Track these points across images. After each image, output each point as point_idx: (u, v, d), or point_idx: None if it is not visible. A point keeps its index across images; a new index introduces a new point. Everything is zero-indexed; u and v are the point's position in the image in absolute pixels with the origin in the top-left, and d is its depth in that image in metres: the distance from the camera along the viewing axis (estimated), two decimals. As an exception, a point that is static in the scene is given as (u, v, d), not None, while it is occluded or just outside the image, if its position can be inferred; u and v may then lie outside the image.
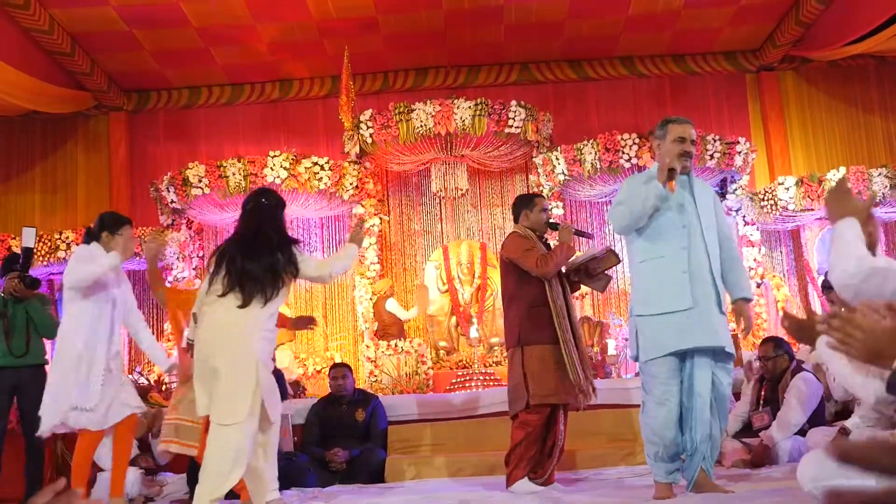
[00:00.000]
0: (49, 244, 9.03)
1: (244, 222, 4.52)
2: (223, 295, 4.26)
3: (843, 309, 2.25)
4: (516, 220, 5.42)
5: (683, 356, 4.35)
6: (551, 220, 5.46)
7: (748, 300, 4.48)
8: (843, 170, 8.90)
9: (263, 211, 4.51)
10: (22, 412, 5.96)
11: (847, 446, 1.56)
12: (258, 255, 4.32)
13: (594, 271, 5.24)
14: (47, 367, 6.18)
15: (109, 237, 5.12)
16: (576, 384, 4.95)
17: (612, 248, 5.09)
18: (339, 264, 4.71)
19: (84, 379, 4.94)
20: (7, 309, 5.92)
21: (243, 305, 4.22)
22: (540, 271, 5.04)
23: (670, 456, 4.37)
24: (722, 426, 4.45)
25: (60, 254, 9.00)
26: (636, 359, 4.53)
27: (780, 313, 3.41)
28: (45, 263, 9.03)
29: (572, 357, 4.97)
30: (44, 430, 4.98)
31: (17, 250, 6.79)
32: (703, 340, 4.29)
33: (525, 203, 5.37)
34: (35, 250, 6.44)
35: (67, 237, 9.05)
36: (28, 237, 5.76)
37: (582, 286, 5.54)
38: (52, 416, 4.93)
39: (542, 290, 5.08)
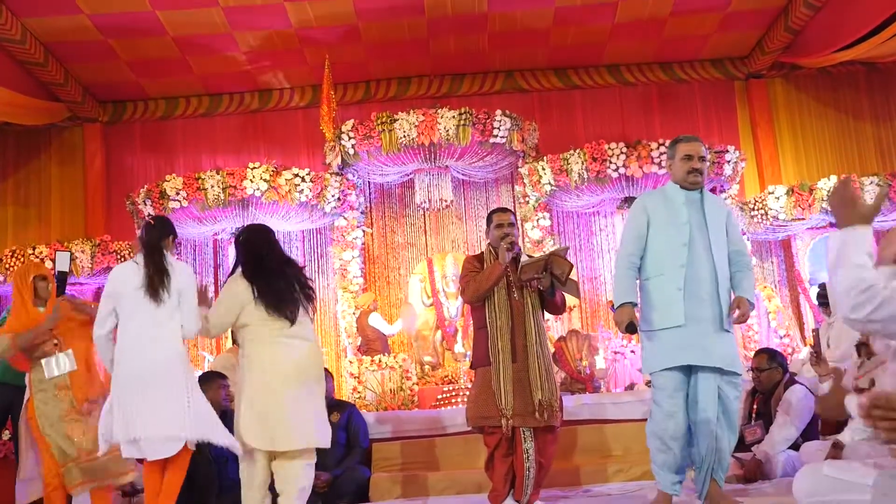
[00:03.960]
0: (22, 259, 8.84)
1: (242, 255, 4.78)
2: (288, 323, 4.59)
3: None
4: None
5: (689, 369, 4.47)
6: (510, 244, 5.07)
7: (749, 301, 4.58)
8: (833, 178, 8.83)
9: (254, 240, 4.81)
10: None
11: None
12: (275, 278, 4.64)
13: (561, 277, 4.98)
14: None
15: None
16: (498, 408, 4.81)
17: (556, 252, 4.98)
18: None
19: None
20: None
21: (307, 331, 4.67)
22: (463, 298, 5.24)
23: (678, 466, 4.51)
24: (731, 439, 4.53)
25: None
26: (641, 370, 4.78)
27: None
28: (18, 279, 8.84)
29: (499, 380, 4.85)
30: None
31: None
32: (695, 359, 4.41)
33: (487, 219, 5.29)
34: (69, 273, 6.26)
35: (41, 252, 8.87)
36: (62, 261, 5.65)
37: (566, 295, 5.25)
38: None
39: (482, 312, 5.00)
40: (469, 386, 8.09)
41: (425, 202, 9.09)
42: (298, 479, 4.50)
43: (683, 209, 4.60)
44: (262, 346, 4.57)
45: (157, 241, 4.75)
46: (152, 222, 4.86)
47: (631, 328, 4.53)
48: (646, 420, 4.65)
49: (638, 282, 4.65)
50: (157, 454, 4.53)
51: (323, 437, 4.58)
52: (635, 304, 4.58)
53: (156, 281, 4.61)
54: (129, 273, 4.70)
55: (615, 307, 4.64)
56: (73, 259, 5.90)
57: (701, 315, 4.44)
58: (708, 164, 4.75)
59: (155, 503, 4.53)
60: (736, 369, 4.47)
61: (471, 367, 5.20)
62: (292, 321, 4.56)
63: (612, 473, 6.34)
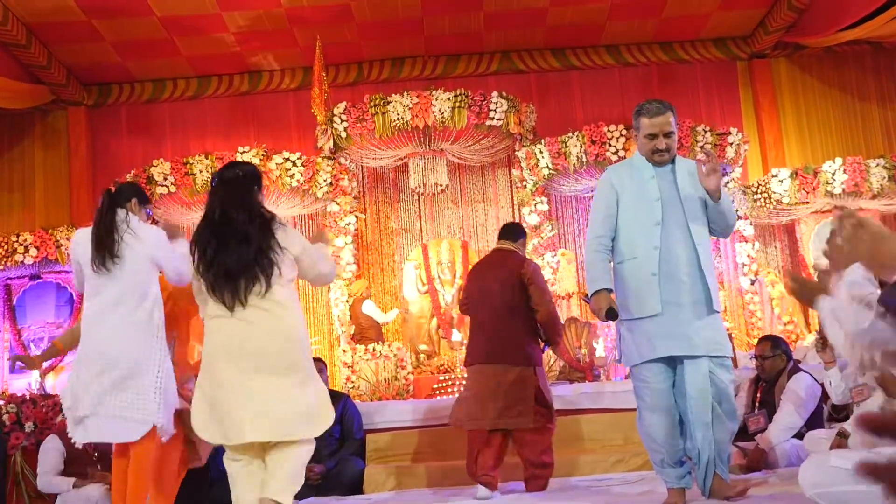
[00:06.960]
0: (6, 247, 8.81)
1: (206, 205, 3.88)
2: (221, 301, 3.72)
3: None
4: (515, 240, 5.60)
5: (672, 358, 4.17)
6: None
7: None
8: (839, 161, 8.68)
9: (229, 185, 3.83)
10: None
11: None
12: (228, 247, 3.70)
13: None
14: None
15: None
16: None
17: None
18: (327, 265, 4.08)
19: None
20: None
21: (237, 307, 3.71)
22: (546, 308, 5.35)
23: (677, 461, 4.20)
24: (730, 425, 4.22)
25: (18, 257, 8.78)
26: (619, 361, 4.50)
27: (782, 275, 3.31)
28: (1, 268, 8.82)
29: None
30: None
31: None
32: (678, 349, 4.12)
33: (525, 235, 5.89)
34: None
35: (25, 239, 8.81)
36: None
37: None
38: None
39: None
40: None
41: (420, 187, 8.98)
42: (278, 469, 3.73)
43: (653, 184, 4.25)
44: (208, 321, 3.77)
45: (112, 203, 4.23)
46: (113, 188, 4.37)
47: (612, 314, 4.16)
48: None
49: (612, 264, 4.32)
50: (103, 437, 4.19)
51: (293, 426, 3.74)
52: (611, 290, 4.23)
53: (102, 247, 4.12)
54: (86, 238, 4.22)
55: (590, 296, 4.27)
56: None
57: (681, 300, 4.11)
58: (676, 136, 4.34)
59: (121, 493, 4.18)
60: (725, 353, 4.17)
61: (530, 364, 5.31)
62: (230, 307, 3.67)
63: (612, 464, 6.25)
